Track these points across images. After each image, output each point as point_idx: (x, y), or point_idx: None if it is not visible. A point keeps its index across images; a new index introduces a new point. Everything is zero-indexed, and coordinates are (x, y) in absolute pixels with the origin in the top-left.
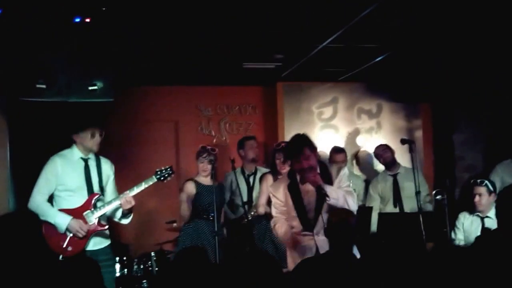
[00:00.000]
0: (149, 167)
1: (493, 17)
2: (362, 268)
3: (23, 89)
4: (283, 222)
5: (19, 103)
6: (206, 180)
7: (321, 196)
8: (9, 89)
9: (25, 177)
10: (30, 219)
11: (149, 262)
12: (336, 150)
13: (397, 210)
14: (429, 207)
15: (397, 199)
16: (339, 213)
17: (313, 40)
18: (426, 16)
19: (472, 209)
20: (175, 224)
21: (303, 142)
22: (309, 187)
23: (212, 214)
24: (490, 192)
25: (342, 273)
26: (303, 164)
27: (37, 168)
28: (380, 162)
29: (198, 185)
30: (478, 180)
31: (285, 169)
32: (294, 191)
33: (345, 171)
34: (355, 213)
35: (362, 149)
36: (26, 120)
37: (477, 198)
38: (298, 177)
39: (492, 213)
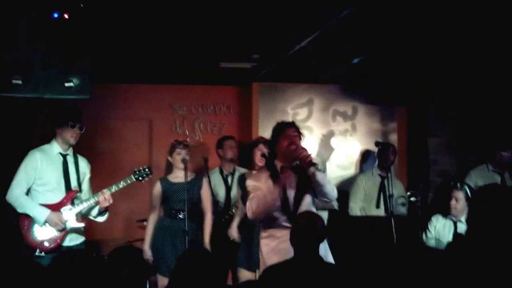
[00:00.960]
0: (122, 165)
1: (469, 21)
2: (331, 273)
3: None
4: (255, 199)
5: None
6: (179, 177)
7: (306, 177)
8: None
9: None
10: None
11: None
12: None
13: (379, 211)
14: (403, 210)
15: (379, 201)
16: (305, 215)
17: (290, 41)
18: (403, 19)
19: (445, 212)
20: (145, 223)
21: (287, 124)
22: (290, 178)
23: (183, 213)
24: (467, 198)
25: (308, 279)
26: (288, 143)
27: (11, 163)
28: (381, 159)
29: (166, 184)
30: (458, 184)
31: (263, 163)
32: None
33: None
34: (335, 199)
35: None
36: (1, 115)
37: (453, 202)
38: (278, 167)
39: (464, 218)
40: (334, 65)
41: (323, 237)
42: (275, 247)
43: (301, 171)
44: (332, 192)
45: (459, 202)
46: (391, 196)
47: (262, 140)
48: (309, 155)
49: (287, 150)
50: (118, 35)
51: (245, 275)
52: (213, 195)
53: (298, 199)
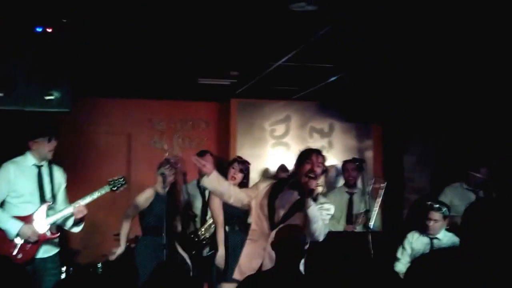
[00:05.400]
0: (100, 179)
1: (442, 39)
2: (308, 285)
3: None
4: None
5: None
6: (160, 190)
7: (302, 203)
8: None
9: None
10: None
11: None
12: (282, 169)
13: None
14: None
15: (350, 218)
16: (288, 228)
17: (268, 58)
18: (378, 39)
19: (422, 230)
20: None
21: (315, 150)
22: (293, 194)
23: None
24: (444, 217)
25: None
26: (305, 168)
27: None
28: (344, 177)
29: (155, 193)
30: (435, 206)
31: (236, 180)
32: (275, 191)
33: (325, 200)
34: (320, 239)
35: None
36: None
37: (431, 223)
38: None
39: (441, 234)
40: (311, 82)
41: (304, 251)
42: (252, 250)
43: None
44: (320, 232)
45: (436, 223)
46: (367, 211)
47: (238, 159)
48: (313, 186)
49: (304, 174)
50: (99, 49)
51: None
52: (190, 207)
53: (287, 216)
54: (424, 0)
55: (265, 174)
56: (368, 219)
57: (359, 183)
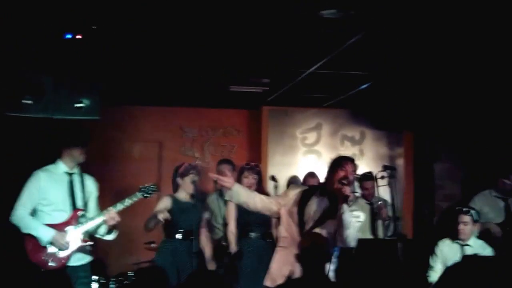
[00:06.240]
0: (131, 187)
1: (474, 49)
2: None
3: (8, 105)
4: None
5: (2, 117)
6: (185, 197)
7: (333, 210)
8: None
9: (4, 192)
10: (7, 234)
11: (125, 282)
12: (311, 175)
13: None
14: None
15: (374, 227)
16: (312, 237)
17: (300, 65)
18: (411, 46)
19: (453, 237)
20: (153, 245)
21: (346, 157)
22: (323, 201)
23: (181, 233)
24: (474, 221)
25: None
26: (338, 175)
27: (17, 183)
28: (363, 193)
29: (175, 201)
30: (464, 209)
31: (252, 187)
32: (306, 198)
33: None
34: (351, 246)
35: None
36: (7, 134)
37: (461, 226)
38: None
39: (472, 241)
40: (342, 90)
41: (329, 258)
42: (283, 257)
43: (336, 201)
44: (352, 239)
45: (466, 226)
46: (396, 218)
47: (246, 166)
48: (347, 193)
49: (337, 180)
50: (130, 57)
51: None
52: (213, 217)
53: (318, 223)
54: (459, 7)
55: (292, 180)
56: (395, 224)
57: (385, 191)
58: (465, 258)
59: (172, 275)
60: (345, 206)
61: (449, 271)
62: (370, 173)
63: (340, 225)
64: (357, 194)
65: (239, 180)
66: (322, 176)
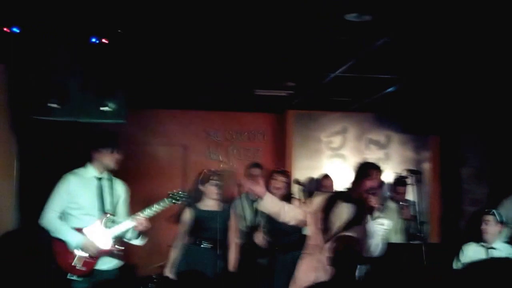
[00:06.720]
0: (156, 190)
1: (502, 53)
2: None
3: (34, 108)
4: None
5: (30, 120)
6: (211, 205)
7: (358, 218)
8: (21, 107)
9: (32, 195)
10: (34, 237)
11: (149, 285)
12: (325, 176)
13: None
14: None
15: (406, 228)
16: (344, 240)
17: (325, 69)
18: (437, 50)
19: (478, 238)
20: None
21: (375, 166)
22: (349, 208)
23: (208, 242)
24: (497, 222)
25: None
26: (365, 184)
27: (45, 187)
28: (395, 197)
29: (197, 211)
30: (487, 210)
31: (279, 193)
32: (330, 205)
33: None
34: (376, 255)
35: None
36: (36, 138)
37: (484, 226)
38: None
39: (498, 244)
40: (368, 93)
41: (359, 261)
42: (308, 263)
43: (362, 208)
44: (375, 248)
45: (489, 225)
46: (422, 223)
47: (276, 170)
48: (374, 204)
49: (365, 190)
50: (155, 61)
51: None
52: (239, 221)
53: (343, 230)
54: (485, 9)
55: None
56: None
57: (411, 194)
58: (492, 259)
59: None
60: (369, 216)
61: (471, 268)
62: (404, 177)
63: (364, 234)
64: (387, 196)
65: (267, 183)
66: (347, 180)
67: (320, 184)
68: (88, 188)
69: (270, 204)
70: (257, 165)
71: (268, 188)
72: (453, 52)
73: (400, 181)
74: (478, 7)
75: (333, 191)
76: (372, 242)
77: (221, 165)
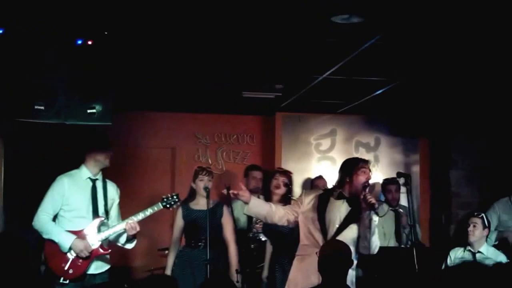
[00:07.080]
0: (144, 193)
1: (493, 56)
2: None
3: (19, 110)
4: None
5: (16, 123)
6: (202, 204)
7: (355, 215)
8: (5, 110)
9: (18, 197)
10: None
11: None
12: (319, 177)
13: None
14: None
15: (399, 234)
16: (334, 244)
17: (313, 71)
18: (426, 51)
19: (464, 242)
20: (167, 251)
21: (364, 161)
22: (342, 205)
23: (203, 242)
24: (484, 226)
25: None
26: (359, 180)
27: (31, 189)
28: (386, 198)
29: (187, 210)
30: (475, 212)
31: (279, 192)
32: (323, 203)
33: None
34: (373, 253)
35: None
36: (22, 140)
37: (471, 228)
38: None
39: (484, 248)
40: (357, 96)
41: (349, 266)
42: (306, 265)
43: (357, 205)
44: (374, 246)
45: (476, 228)
46: (412, 226)
47: (279, 170)
48: (373, 201)
49: (361, 186)
50: (142, 63)
51: None
52: (235, 223)
53: (342, 228)
54: (474, 9)
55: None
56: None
57: (403, 199)
58: (465, 264)
59: (188, 285)
60: (371, 213)
61: (447, 272)
62: (394, 178)
63: (362, 232)
64: (381, 200)
65: (268, 183)
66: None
67: (313, 184)
68: (82, 190)
69: (257, 207)
70: (256, 167)
71: (268, 187)
72: (443, 54)
73: (389, 180)
74: (466, 11)
75: (322, 189)
76: (375, 240)
77: (210, 167)
